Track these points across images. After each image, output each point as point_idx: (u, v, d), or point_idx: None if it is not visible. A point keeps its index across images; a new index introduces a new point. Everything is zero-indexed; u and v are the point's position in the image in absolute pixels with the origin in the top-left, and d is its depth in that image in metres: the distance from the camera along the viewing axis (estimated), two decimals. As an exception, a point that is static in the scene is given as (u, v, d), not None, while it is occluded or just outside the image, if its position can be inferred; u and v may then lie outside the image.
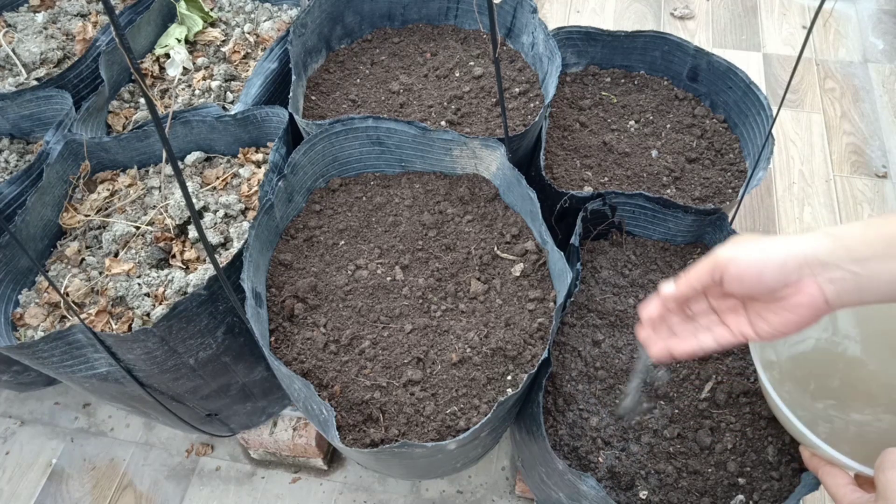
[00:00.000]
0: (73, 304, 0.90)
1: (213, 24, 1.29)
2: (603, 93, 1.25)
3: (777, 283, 0.55)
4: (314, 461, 1.27)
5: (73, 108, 1.06)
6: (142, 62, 1.22)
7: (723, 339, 0.62)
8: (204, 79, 1.20)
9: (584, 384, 0.90)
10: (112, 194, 1.06)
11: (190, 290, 0.93)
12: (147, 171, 1.10)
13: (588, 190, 1.06)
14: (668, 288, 0.62)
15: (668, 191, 1.09)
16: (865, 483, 0.60)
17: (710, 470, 0.83)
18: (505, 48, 1.24)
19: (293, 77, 1.06)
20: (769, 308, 0.57)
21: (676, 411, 0.87)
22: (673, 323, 0.65)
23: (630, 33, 1.22)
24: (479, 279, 0.94)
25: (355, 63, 1.23)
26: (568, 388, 0.89)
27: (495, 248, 0.97)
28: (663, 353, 0.65)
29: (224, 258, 0.97)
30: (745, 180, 1.07)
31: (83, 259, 1.00)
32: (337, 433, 0.74)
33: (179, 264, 0.97)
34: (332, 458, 1.30)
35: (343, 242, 0.98)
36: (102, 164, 1.09)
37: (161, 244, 0.99)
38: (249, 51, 1.26)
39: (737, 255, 0.57)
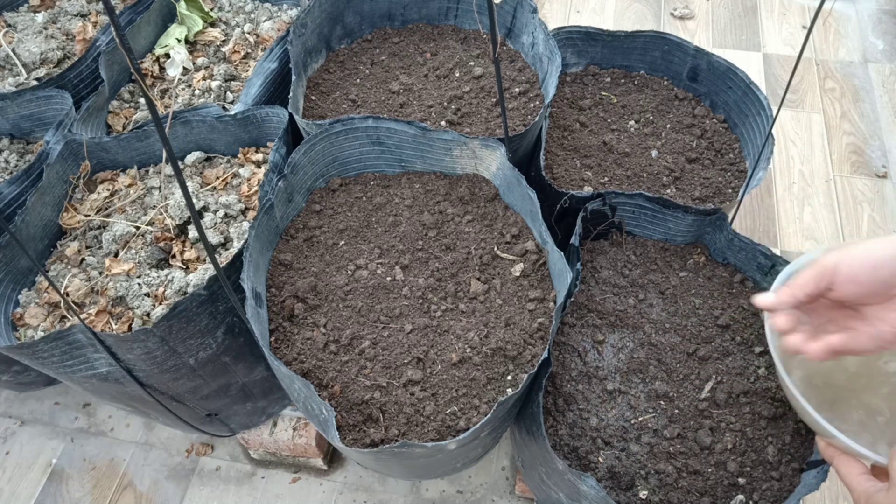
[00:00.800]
0: (73, 304, 0.90)
1: (213, 24, 1.29)
2: (603, 93, 1.25)
3: (893, 276, 0.54)
4: (314, 461, 1.27)
5: (73, 108, 1.06)
6: (142, 62, 1.22)
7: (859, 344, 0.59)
8: (204, 79, 1.20)
9: (584, 384, 0.90)
10: (112, 194, 1.06)
11: (190, 290, 0.93)
12: (147, 171, 1.10)
13: (588, 190, 1.06)
14: (766, 298, 0.60)
15: (668, 191, 1.09)
16: (881, 473, 0.60)
17: (710, 470, 0.83)
18: (505, 48, 1.24)
19: (293, 77, 1.06)
20: (887, 307, 0.56)
21: (676, 411, 0.87)
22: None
23: (630, 33, 1.23)
24: (479, 279, 0.94)
25: (355, 63, 1.23)
26: (568, 388, 0.89)
27: (495, 248, 0.97)
28: (803, 349, 0.61)
29: (224, 258, 0.97)
30: (745, 180, 1.07)
31: (83, 259, 1.00)
32: (337, 433, 0.74)
33: (179, 264, 0.97)
34: (332, 458, 1.30)
35: (343, 242, 0.98)
36: (102, 164, 1.09)
37: (161, 244, 0.99)
38: (249, 51, 1.26)
39: (845, 256, 0.56)
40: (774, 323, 0.63)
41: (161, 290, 0.94)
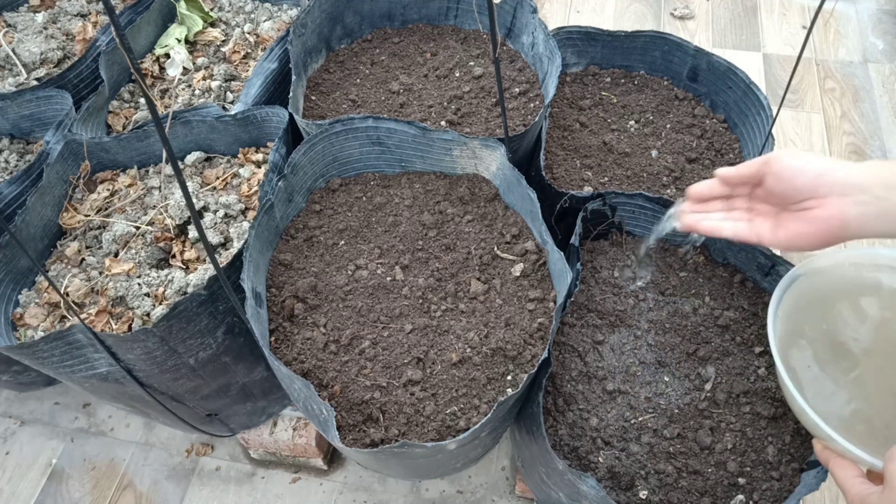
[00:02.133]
0: (73, 304, 0.90)
1: (213, 24, 1.29)
2: (603, 93, 1.25)
3: (806, 190, 0.59)
4: (314, 461, 1.27)
5: (73, 108, 1.06)
6: (142, 62, 1.22)
7: (740, 233, 0.68)
8: (204, 79, 1.20)
9: (584, 384, 0.90)
10: (112, 194, 1.06)
11: (190, 290, 0.93)
12: (147, 171, 1.10)
13: (588, 190, 1.06)
14: (725, 170, 0.68)
15: (668, 191, 1.09)
16: (876, 478, 0.61)
17: (710, 470, 0.83)
18: (505, 48, 1.24)
19: (293, 77, 1.06)
20: (793, 216, 0.61)
21: (676, 411, 0.87)
22: (710, 206, 0.71)
23: (630, 33, 1.22)
24: (479, 279, 0.94)
25: (355, 63, 1.23)
26: (568, 388, 0.89)
27: (495, 248, 0.97)
28: (692, 224, 0.72)
29: (224, 258, 0.97)
30: (745, 180, 1.07)
31: (83, 259, 1.00)
32: (337, 433, 0.74)
33: (179, 264, 0.97)
34: (332, 458, 1.30)
35: (343, 242, 0.98)
36: (102, 164, 1.09)
37: (161, 244, 0.99)
38: (249, 51, 1.26)
39: (784, 156, 0.61)
40: (697, 188, 0.72)
41: (161, 290, 0.94)
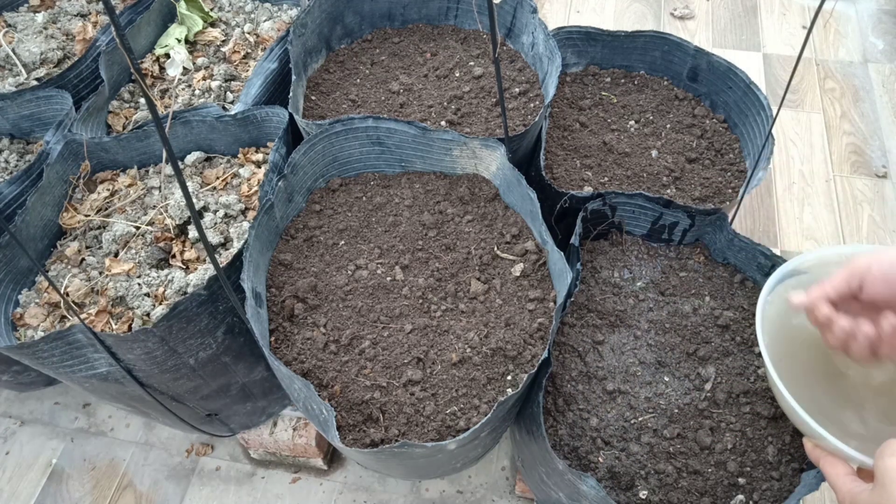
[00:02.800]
0: (73, 304, 0.90)
1: (213, 24, 1.29)
2: (603, 93, 1.25)
3: None
4: (314, 461, 1.27)
5: (73, 108, 1.06)
6: (142, 62, 1.22)
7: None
8: (204, 79, 1.20)
9: (584, 384, 0.90)
10: (112, 194, 1.06)
11: (190, 290, 0.93)
12: (147, 171, 1.10)
13: (588, 190, 1.06)
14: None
15: (668, 191, 1.09)
16: (867, 475, 0.61)
17: (710, 470, 0.83)
18: (505, 48, 1.24)
19: (293, 77, 1.06)
20: None
21: (676, 411, 0.87)
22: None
23: (630, 33, 1.23)
24: (479, 279, 0.94)
25: (355, 63, 1.23)
26: (568, 388, 0.89)
27: (495, 248, 0.97)
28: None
29: (224, 258, 0.97)
30: (745, 180, 1.07)
31: (83, 259, 1.00)
32: (337, 433, 0.74)
33: (179, 264, 0.97)
34: (332, 458, 1.30)
35: (343, 242, 0.98)
36: (102, 164, 1.09)
37: (161, 244, 0.99)
38: (249, 51, 1.26)
39: (877, 257, 0.57)
40: (818, 315, 0.64)
41: (161, 290, 0.94)
